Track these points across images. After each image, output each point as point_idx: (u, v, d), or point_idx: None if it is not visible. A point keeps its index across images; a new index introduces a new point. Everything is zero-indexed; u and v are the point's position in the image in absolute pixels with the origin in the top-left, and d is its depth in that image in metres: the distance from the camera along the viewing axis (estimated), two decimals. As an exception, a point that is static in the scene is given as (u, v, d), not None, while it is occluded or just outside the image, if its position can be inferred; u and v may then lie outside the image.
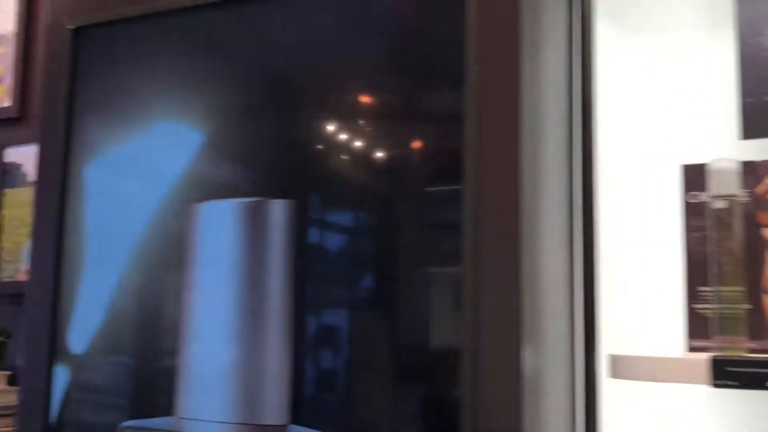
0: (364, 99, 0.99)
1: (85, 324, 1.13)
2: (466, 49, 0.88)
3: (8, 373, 1.66)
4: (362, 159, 0.98)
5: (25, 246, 1.75)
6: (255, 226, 1.02)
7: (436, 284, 0.91)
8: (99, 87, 1.15)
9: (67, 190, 1.14)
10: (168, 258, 1.08)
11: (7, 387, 1.64)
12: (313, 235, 1.00)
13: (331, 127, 1.00)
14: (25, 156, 1.75)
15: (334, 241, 0.99)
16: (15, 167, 1.76)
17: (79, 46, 1.15)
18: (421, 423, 0.89)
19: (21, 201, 1.75)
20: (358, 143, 0.98)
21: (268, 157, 1.03)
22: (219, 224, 1.04)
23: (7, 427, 1.55)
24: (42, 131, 1.17)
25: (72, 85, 1.15)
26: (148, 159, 1.11)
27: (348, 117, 0.99)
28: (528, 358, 0.82)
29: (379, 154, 0.96)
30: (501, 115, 0.86)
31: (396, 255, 0.94)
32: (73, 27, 1.15)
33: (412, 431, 0.89)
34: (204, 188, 1.06)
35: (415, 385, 0.90)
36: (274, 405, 0.97)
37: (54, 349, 1.13)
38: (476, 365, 0.83)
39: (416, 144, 0.95)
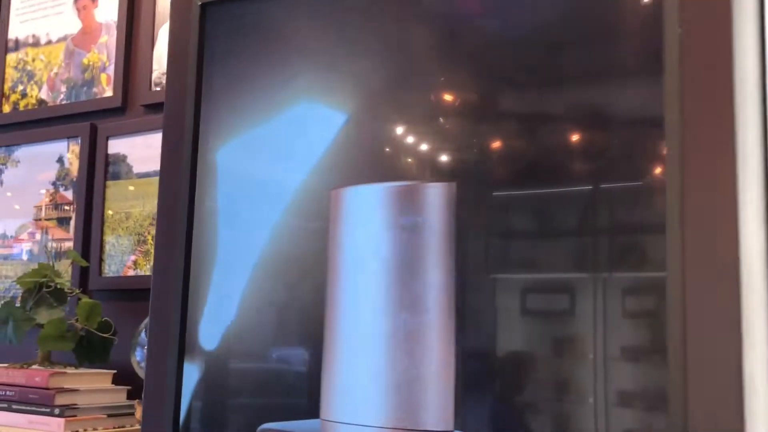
0: (539, 83, 0.89)
1: (215, 320, 1.05)
2: (665, 32, 0.78)
3: (113, 371, 1.60)
4: (532, 147, 0.88)
5: (130, 240, 1.69)
6: (411, 212, 0.93)
7: (639, 286, 0.81)
8: (229, 66, 1.07)
9: (195, 175, 1.07)
10: (308, 248, 0.99)
11: (112, 386, 1.58)
12: (480, 221, 0.90)
13: (495, 111, 0.91)
14: (129, 147, 1.70)
15: (501, 232, 0.89)
16: (119, 158, 1.70)
17: (208, 23, 1.08)
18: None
19: (125, 193, 1.69)
20: (530, 129, 0.88)
21: (419, 139, 0.94)
22: (368, 210, 0.96)
23: (116, 427, 1.49)
24: (167, 114, 1.10)
25: (200, 64, 1.08)
26: (283, 142, 1.03)
27: (515, 99, 0.90)
28: (746, 362, 0.73)
29: (561, 144, 0.87)
30: (709, 104, 0.77)
31: (590, 254, 0.84)
32: (201, 2, 1.08)
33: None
34: (346, 173, 0.98)
35: (610, 390, 0.80)
36: (438, 409, 0.88)
37: (183, 347, 1.06)
38: (687, 369, 0.73)
39: (608, 135, 0.85)
